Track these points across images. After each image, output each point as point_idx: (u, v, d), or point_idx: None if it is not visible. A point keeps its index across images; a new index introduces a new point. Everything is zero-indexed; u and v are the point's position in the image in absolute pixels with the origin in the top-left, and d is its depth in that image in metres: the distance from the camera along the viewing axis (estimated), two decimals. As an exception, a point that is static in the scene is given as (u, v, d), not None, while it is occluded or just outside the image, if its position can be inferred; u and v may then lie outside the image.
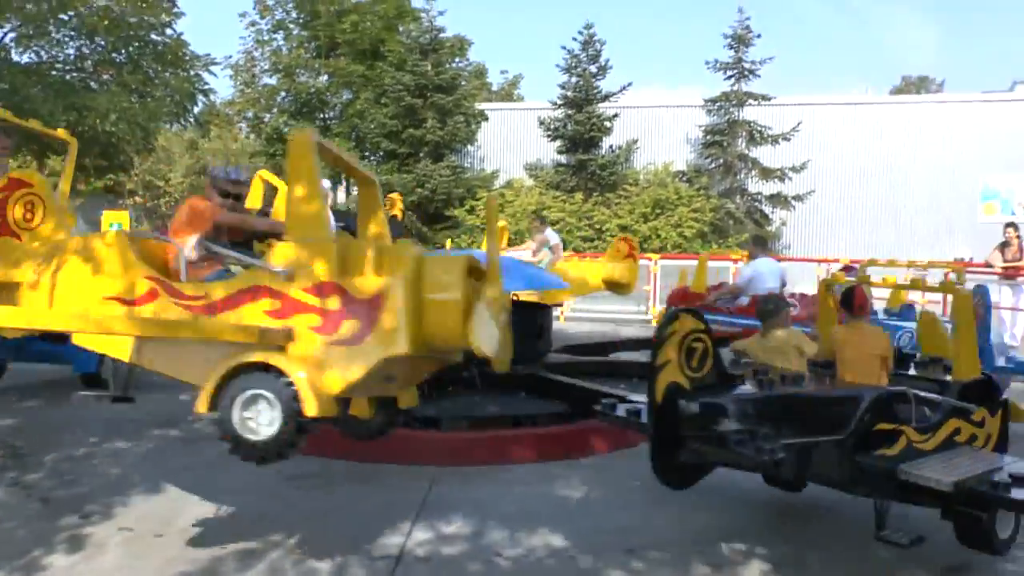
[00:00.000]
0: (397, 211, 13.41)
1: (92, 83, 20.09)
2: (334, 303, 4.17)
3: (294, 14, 37.14)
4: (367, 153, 33.94)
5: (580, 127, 29.45)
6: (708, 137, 29.84)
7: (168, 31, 20.37)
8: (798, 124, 28.22)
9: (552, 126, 30.31)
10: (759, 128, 28.80)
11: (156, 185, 39.91)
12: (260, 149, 37.38)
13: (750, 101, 29.00)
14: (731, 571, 4.73)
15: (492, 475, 6.38)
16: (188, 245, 4.96)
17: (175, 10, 20.53)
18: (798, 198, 27.58)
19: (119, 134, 20.38)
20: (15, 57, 19.26)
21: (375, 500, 5.73)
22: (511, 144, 33.49)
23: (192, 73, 20.81)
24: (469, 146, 33.17)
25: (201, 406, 4.14)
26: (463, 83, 32.52)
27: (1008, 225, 15.76)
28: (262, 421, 4.07)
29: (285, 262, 4.23)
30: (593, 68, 30.27)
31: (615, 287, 12.31)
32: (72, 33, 19.67)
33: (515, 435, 7.04)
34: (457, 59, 33.68)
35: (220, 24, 76.88)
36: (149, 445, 7.11)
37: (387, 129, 31.15)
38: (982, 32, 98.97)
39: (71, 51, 20.32)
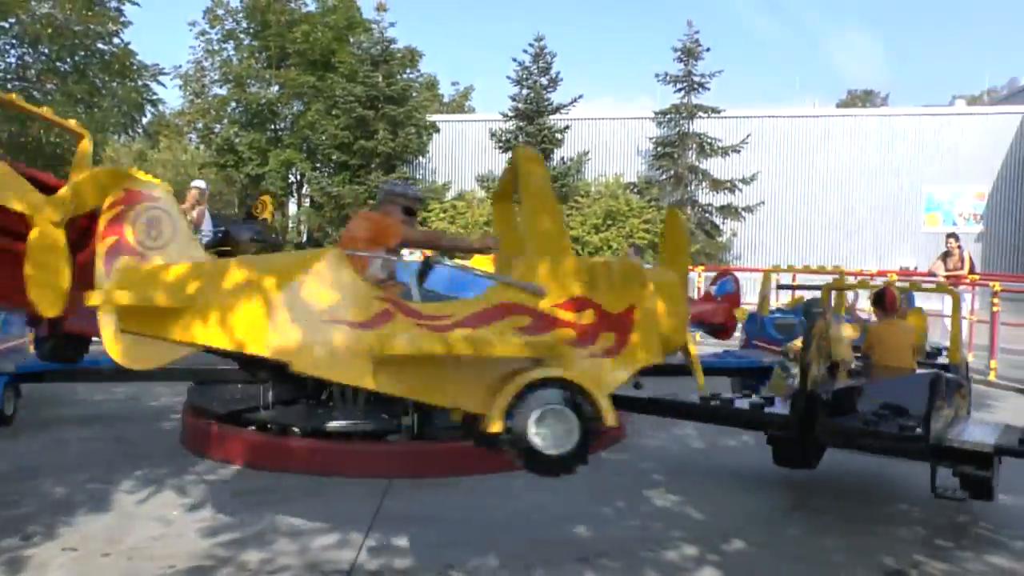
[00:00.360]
0: (267, 214, 13.46)
1: (36, 93, 19.71)
2: (588, 318, 4.32)
3: (244, 24, 36.83)
4: (318, 164, 33.74)
5: (531, 139, 29.54)
6: (659, 149, 30.09)
7: (115, 40, 20.07)
8: (747, 136, 28.56)
9: (503, 138, 30.38)
10: (709, 140, 29.10)
11: (103, 197, 39.33)
12: (210, 160, 37.00)
13: (700, 114, 29.30)
14: (683, 580, 4.75)
15: (445, 485, 6.36)
16: (376, 263, 4.95)
17: (122, 19, 20.23)
18: (748, 209, 27.89)
19: (64, 145, 20.04)
20: (-47, 66, 18.90)
21: (326, 514, 5.68)
22: (462, 156, 33.53)
23: (140, 83, 20.50)
24: (420, 158, 33.13)
25: (495, 426, 4.12)
26: (414, 94, 32.47)
27: (950, 235, 16.13)
28: (559, 434, 4.14)
29: (536, 279, 4.30)
30: (544, 80, 30.42)
31: None
32: (14, 41, 19.30)
33: (468, 446, 7.00)
34: (408, 70, 33.60)
35: (169, 34, 76.04)
36: (95, 464, 6.96)
37: (338, 140, 30.99)
38: (925, 49, 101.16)
39: (12, 60, 19.94)
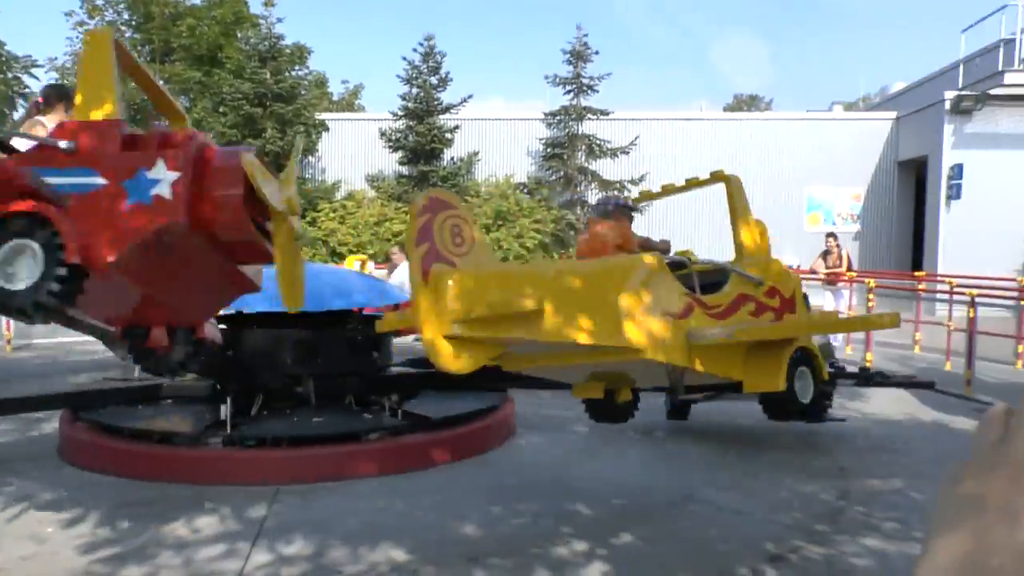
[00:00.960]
0: None
1: None
2: (776, 302, 5.87)
3: (126, 15, 35.73)
4: (204, 162, 32.96)
5: (421, 138, 29.47)
6: (549, 150, 30.36)
7: (-16, 31, 19.23)
8: (636, 138, 29.06)
9: (393, 137, 30.22)
10: (598, 142, 29.50)
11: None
12: (88, 157, 35.79)
13: (589, 115, 29.67)
14: (572, 572, 4.79)
15: (333, 491, 6.29)
16: None
17: (-9, 9, 19.42)
18: (637, 210, 28.34)
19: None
20: None
21: (213, 524, 5.55)
22: (352, 155, 33.18)
23: (10, 75, 19.69)
24: (310, 157, 32.66)
25: (782, 383, 5.37)
26: (303, 92, 32.02)
27: (829, 235, 16.76)
28: (806, 388, 5.65)
29: (757, 273, 5.89)
30: (434, 80, 30.37)
31: None
32: None
33: (355, 450, 6.95)
34: (297, 68, 33.12)
35: (43, 23, 73.04)
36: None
37: (226, 139, 30.33)
38: (806, 56, 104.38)
39: None
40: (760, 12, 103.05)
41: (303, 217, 29.95)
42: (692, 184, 7.23)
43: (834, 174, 29.26)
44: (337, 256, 27.09)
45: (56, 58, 37.41)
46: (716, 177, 6.93)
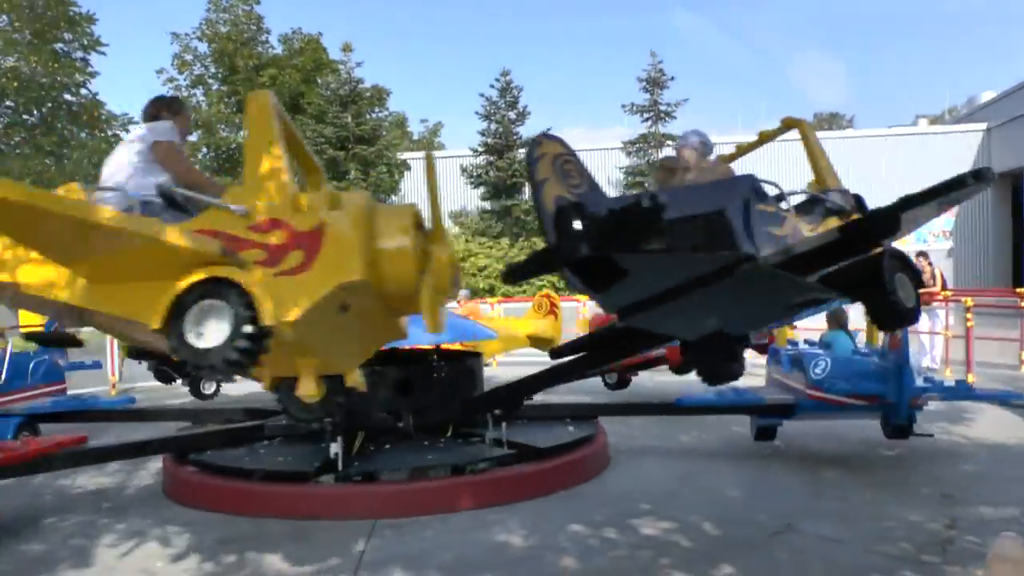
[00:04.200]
0: None
1: (2, 146, 19.67)
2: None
3: (212, 69, 36.91)
4: (291, 207, 33.72)
5: (502, 173, 29.72)
6: (629, 179, 30.33)
7: (83, 91, 20.09)
8: (716, 163, 28.86)
9: (474, 173, 30.55)
10: (678, 168, 29.35)
11: (74, 247, 39.16)
12: (181, 206, 36.91)
13: (668, 142, 29.58)
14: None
15: (428, 525, 6.32)
16: None
17: (89, 69, 20.27)
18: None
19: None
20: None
21: (312, 558, 5.63)
22: (435, 192, 33.59)
23: (110, 133, 20.50)
24: (393, 196, 33.21)
25: None
26: (384, 133, 32.63)
27: (920, 254, 16.28)
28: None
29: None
30: (512, 114, 30.64)
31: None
32: (-21, 96, 19.30)
33: (451, 484, 7.00)
34: (377, 109, 33.78)
35: (138, 82, 75.99)
36: (76, 518, 6.86)
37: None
38: (886, 70, 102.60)
39: (-22, 115, 19.93)
40: (836, 27, 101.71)
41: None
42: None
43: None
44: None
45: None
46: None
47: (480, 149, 30.79)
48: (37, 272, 4.46)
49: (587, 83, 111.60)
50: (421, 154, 37.46)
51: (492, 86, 30.83)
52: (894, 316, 5.36)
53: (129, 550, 5.91)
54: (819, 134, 7.26)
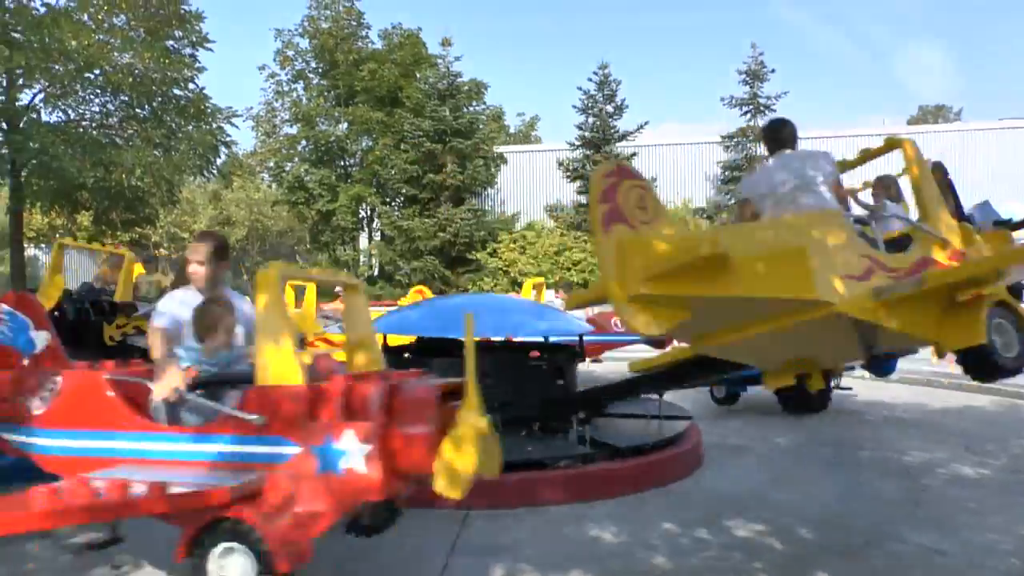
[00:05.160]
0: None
1: (117, 139, 20.42)
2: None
3: (313, 64, 37.69)
4: (388, 199, 34.21)
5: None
6: (727, 173, 29.97)
7: (191, 86, 20.71)
8: (816, 157, 28.29)
9: (571, 167, 30.53)
10: (777, 163, 28.86)
11: (180, 237, 40.35)
12: (282, 197, 37.79)
13: (768, 136, 29.08)
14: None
15: (521, 517, 6.37)
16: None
17: (197, 65, 20.89)
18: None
19: (144, 188, 20.70)
20: (44, 116, 19.64)
21: (406, 544, 5.73)
22: (530, 186, 33.72)
23: (215, 126, 21.08)
24: (489, 189, 33.43)
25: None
26: (481, 127, 32.82)
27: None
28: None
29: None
30: (610, 108, 30.55)
31: None
32: (98, 91, 20.04)
33: (545, 477, 7.03)
34: (474, 103, 34.00)
35: (241, 77, 78.03)
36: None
37: (407, 175, 31.44)
38: (997, 60, 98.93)
39: (96, 108, 20.69)
40: (943, 17, 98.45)
41: (482, 248, 30.56)
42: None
43: (1034, 185, 27.52)
44: (517, 285, 27.51)
45: (251, 108, 39.85)
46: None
47: (577, 143, 30.74)
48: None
49: (685, 76, 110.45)
50: (518, 147, 37.62)
51: (590, 79, 30.78)
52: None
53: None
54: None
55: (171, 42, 20.54)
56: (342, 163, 36.67)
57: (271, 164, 39.90)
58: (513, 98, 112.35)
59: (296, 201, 35.99)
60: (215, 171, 22.88)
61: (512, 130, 52.12)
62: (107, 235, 23.11)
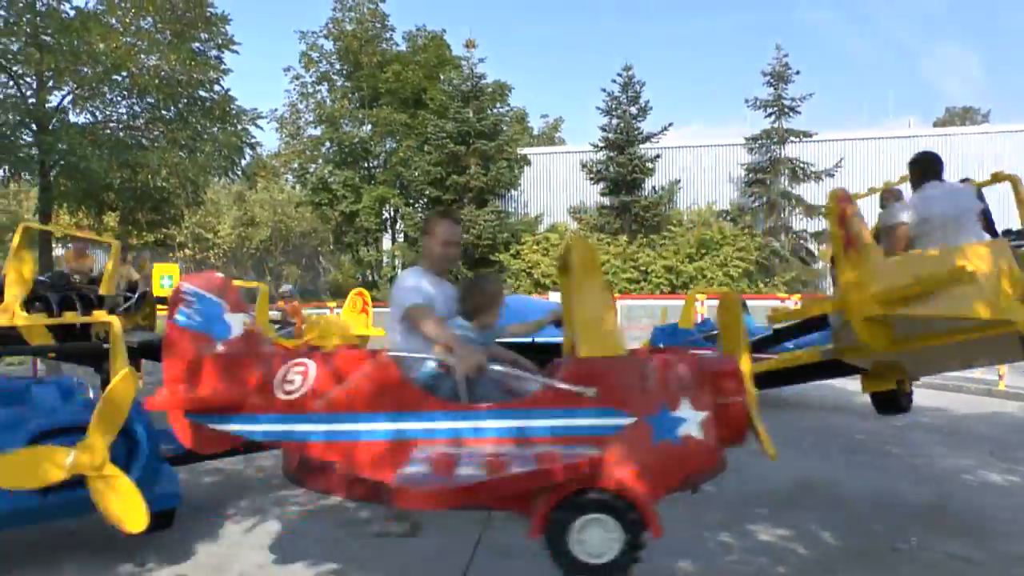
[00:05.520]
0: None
1: (144, 140, 20.60)
2: None
3: (337, 66, 37.85)
4: (412, 200, 34.29)
5: (622, 169, 29.58)
6: (751, 175, 29.81)
7: (216, 88, 20.86)
8: (840, 160, 28.11)
9: (594, 169, 30.47)
10: (802, 165, 28.72)
11: (205, 238, 40.65)
12: (306, 199, 37.97)
13: (791, 138, 28.95)
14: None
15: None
16: None
17: (222, 67, 21.04)
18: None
19: (170, 188, 20.88)
20: (72, 118, 19.85)
21: (428, 544, 5.75)
22: (554, 188, 33.69)
23: (239, 127, 21.23)
24: (512, 191, 33.42)
25: None
26: (505, 128, 32.84)
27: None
28: None
29: None
30: (633, 109, 30.45)
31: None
32: (125, 93, 20.23)
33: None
34: (498, 105, 34.04)
35: (266, 79, 78.51)
36: (204, 491, 7.17)
37: (431, 176, 31.49)
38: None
39: (123, 110, 20.89)
40: (971, 17, 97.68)
41: (506, 250, 30.63)
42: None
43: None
44: (540, 288, 27.51)
45: (276, 109, 40.12)
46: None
47: (601, 144, 30.69)
48: None
49: (709, 78, 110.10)
50: (541, 149, 37.62)
51: (614, 81, 30.66)
52: None
53: (250, 527, 6.15)
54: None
55: (197, 44, 20.71)
56: (366, 165, 36.79)
57: (295, 165, 40.08)
58: (537, 100, 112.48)
59: (320, 202, 36.12)
60: (239, 172, 23.02)
61: (536, 132, 52.12)
62: (133, 235, 23.31)
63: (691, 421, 3.85)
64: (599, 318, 4.05)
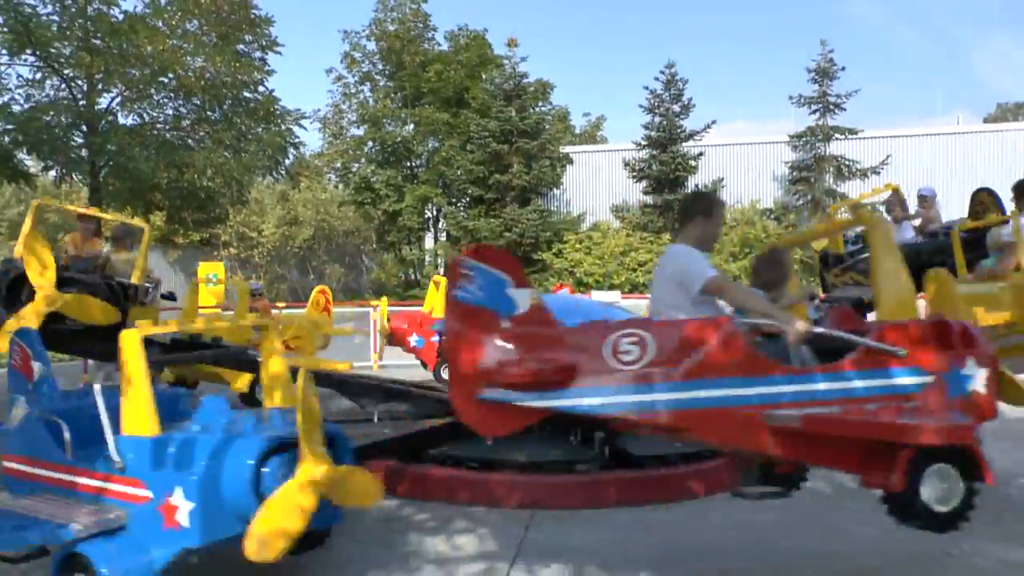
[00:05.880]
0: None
1: (190, 141, 20.83)
2: None
3: (380, 66, 38.04)
4: (454, 199, 34.38)
5: (665, 167, 29.43)
6: (795, 173, 29.53)
7: (260, 88, 21.04)
8: (887, 157, 27.73)
9: (637, 167, 30.36)
10: (847, 163, 28.39)
11: (249, 236, 41.01)
12: (349, 198, 38.19)
13: (836, 135, 28.62)
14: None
15: (587, 518, 6.34)
16: None
17: (266, 68, 21.21)
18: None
19: (215, 188, 21.09)
20: (121, 120, 20.12)
21: (471, 543, 5.76)
22: (596, 186, 33.61)
23: (283, 127, 21.38)
24: (555, 189, 33.39)
25: None
26: (547, 127, 32.81)
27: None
28: None
29: None
30: (676, 107, 30.31)
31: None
32: (171, 94, 20.46)
33: (614, 478, 6.96)
34: (540, 103, 34.01)
35: (309, 79, 79.11)
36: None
37: (473, 175, 31.55)
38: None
39: (170, 111, 21.13)
40: (1021, 9, 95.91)
41: (548, 248, 30.62)
42: None
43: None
44: (583, 286, 27.43)
45: (319, 110, 40.35)
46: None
47: (643, 142, 30.56)
48: None
49: (753, 74, 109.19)
50: (584, 147, 37.53)
51: (657, 79, 30.54)
52: None
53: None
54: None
55: (241, 46, 20.89)
56: (408, 164, 36.94)
57: (338, 165, 40.34)
58: (579, 98, 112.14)
59: (363, 201, 36.33)
60: (283, 172, 23.18)
61: (578, 130, 52.00)
62: (179, 234, 23.59)
63: (976, 377, 4.18)
64: (899, 283, 4.57)
